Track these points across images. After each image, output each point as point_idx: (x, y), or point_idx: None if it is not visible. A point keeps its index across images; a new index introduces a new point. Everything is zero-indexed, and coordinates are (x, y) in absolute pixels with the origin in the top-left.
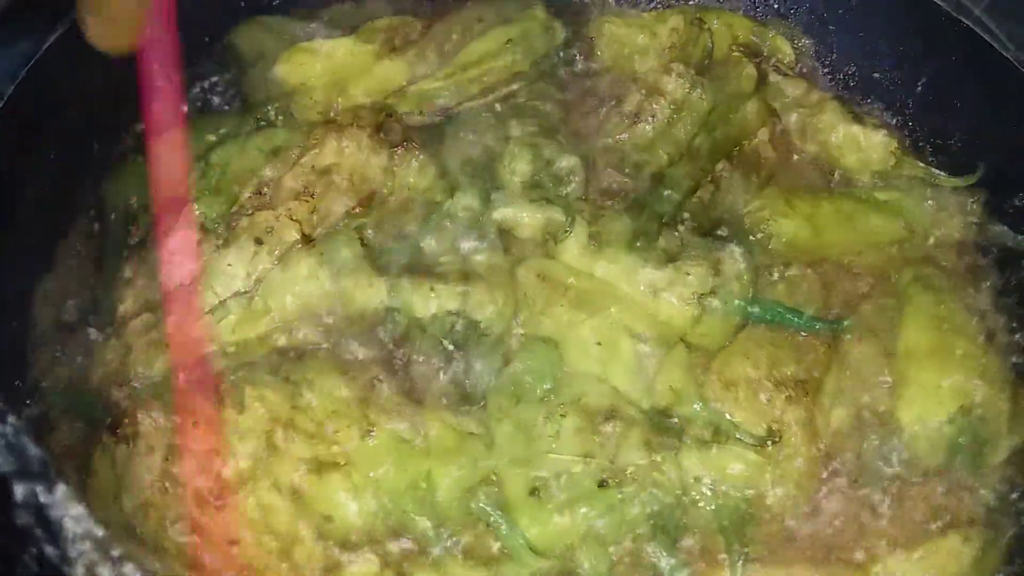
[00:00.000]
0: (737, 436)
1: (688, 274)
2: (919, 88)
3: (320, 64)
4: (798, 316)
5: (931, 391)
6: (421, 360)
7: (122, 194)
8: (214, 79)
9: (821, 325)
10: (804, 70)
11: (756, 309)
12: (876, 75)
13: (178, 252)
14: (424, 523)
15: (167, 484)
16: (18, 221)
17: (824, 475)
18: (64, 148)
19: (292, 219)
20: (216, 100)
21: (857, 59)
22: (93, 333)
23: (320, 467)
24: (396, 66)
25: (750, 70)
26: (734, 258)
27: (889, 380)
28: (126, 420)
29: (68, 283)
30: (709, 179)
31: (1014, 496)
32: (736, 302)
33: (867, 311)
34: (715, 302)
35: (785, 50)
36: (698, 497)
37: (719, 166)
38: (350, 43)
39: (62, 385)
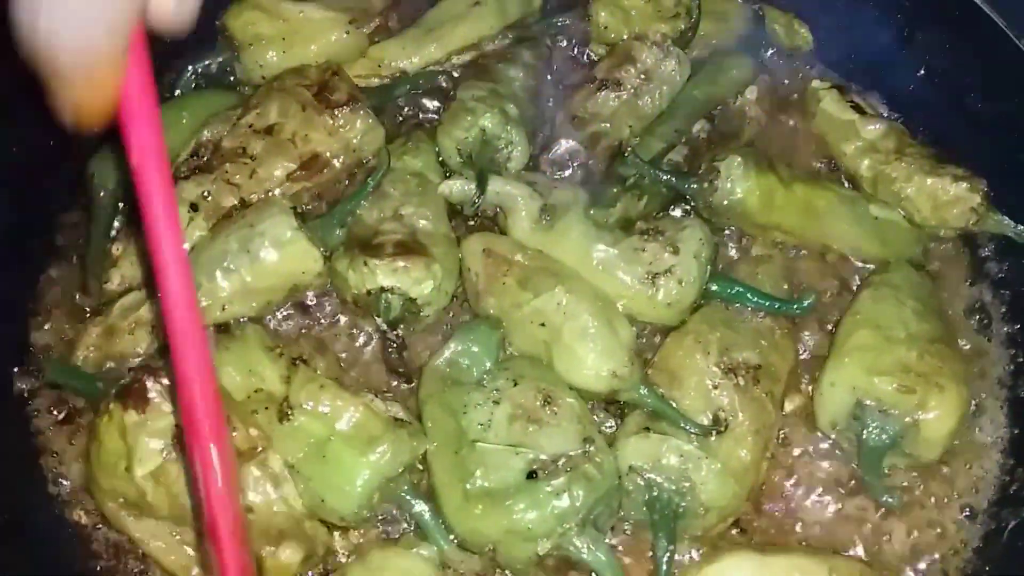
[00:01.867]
0: (681, 425)
1: (643, 251)
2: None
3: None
4: (758, 295)
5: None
6: (353, 339)
7: (112, 173)
8: (207, 62)
9: (781, 306)
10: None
11: (715, 287)
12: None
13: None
14: (344, 511)
15: (178, 452)
16: (16, 197)
17: (768, 467)
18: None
19: (230, 183)
20: (210, 81)
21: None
22: (85, 312)
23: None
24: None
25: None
26: (694, 235)
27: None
28: (136, 387)
29: (64, 262)
30: (683, 140)
31: None
32: (693, 282)
33: (826, 302)
34: (671, 282)
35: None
36: (632, 488)
37: (697, 126)
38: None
39: (58, 362)
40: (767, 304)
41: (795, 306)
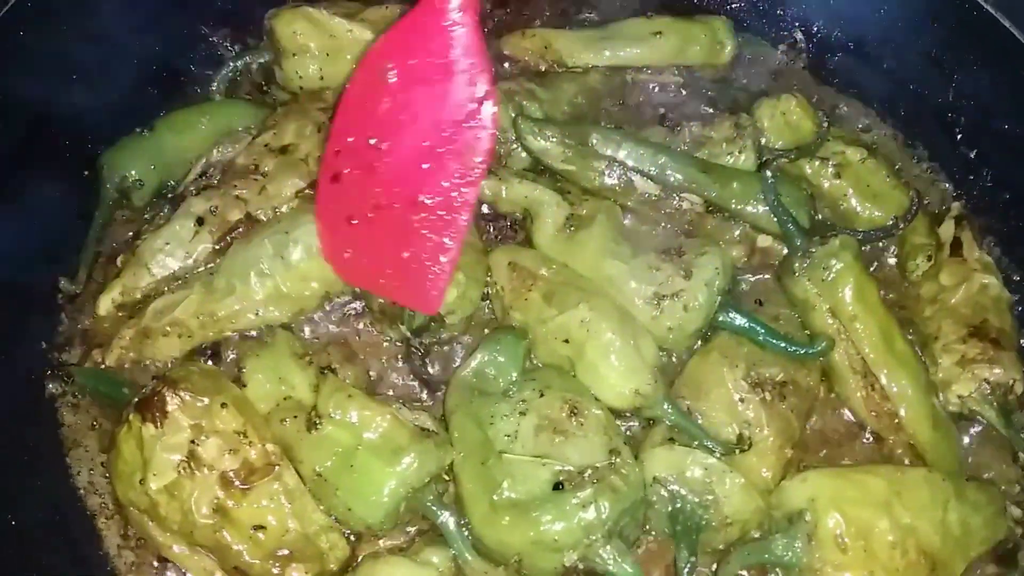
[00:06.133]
0: (705, 444)
1: (657, 270)
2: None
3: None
4: (770, 334)
5: None
6: (381, 347)
7: (120, 167)
8: (247, 59)
9: (793, 348)
10: None
11: (725, 319)
12: None
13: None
14: (371, 520)
15: (193, 465)
16: (44, 199)
17: None
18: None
19: (237, 198)
20: (248, 86)
21: None
22: (118, 313)
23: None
24: None
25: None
26: (710, 263)
27: None
28: (155, 399)
29: (94, 264)
30: None
31: None
32: (698, 309)
33: None
34: (676, 306)
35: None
36: (655, 499)
37: None
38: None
39: (87, 365)
40: (778, 344)
41: (807, 350)
